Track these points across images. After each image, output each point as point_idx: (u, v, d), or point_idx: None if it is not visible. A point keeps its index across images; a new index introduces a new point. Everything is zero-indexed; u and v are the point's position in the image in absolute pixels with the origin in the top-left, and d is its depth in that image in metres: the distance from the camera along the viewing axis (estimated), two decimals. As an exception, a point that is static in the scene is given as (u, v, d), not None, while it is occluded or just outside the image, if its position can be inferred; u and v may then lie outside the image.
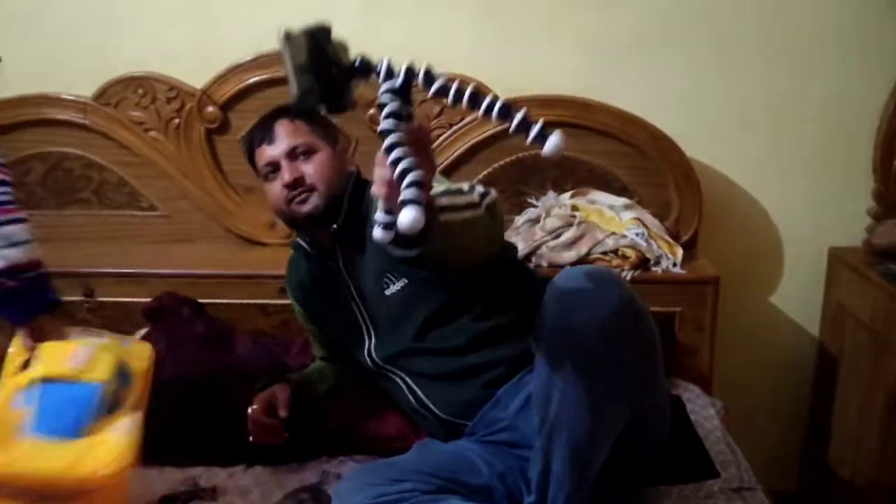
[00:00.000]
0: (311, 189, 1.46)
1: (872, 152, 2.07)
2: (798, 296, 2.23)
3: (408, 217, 0.76)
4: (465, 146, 2.03)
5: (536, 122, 0.78)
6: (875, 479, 1.91)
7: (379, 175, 0.90)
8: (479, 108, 0.82)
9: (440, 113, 2.03)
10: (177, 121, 2.07)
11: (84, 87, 2.07)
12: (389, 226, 0.87)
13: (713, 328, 1.90)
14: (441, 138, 2.04)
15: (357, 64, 0.86)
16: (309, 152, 1.48)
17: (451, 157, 2.02)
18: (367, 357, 1.50)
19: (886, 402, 1.86)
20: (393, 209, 0.87)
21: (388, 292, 1.44)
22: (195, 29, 2.09)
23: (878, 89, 2.04)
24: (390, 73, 0.84)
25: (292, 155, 1.47)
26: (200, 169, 2.09)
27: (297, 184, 1.45)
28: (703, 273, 1.88)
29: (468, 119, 2.02)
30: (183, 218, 2.14)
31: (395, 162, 0.80)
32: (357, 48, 2.05)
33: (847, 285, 2.08)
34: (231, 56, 2.04)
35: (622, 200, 2.00)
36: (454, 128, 2.03)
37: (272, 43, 1.94)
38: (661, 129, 1.98)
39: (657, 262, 1.90)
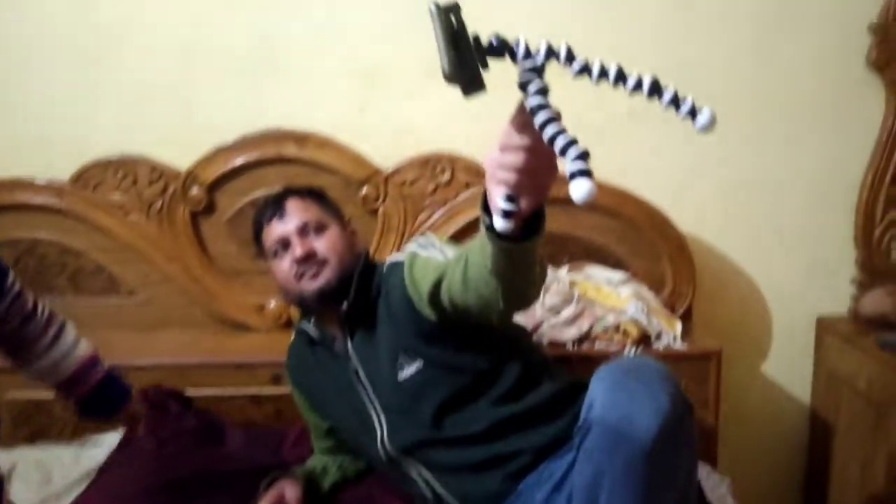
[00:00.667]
0: (323, 263, 1.43)
1: (854, 222, 2.13)
2: (789, 364, 2.24)
3: (584, 187, 0.70)
4: (462, 223, 2.01)
5: (687, 98, 0.73)
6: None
7: (505, 161, 0.83)
8: (626, 84, 0.77)
9: (434, 191, 2.01)
10: (159, 203, 2.00)
11: (62, 168, 1.99)
12: (511, 214, 0.84)
13: (717, 403, 1.89)
14: (436, 215, 2.02)
15: (494, 42, 0.80)
16: (320, 228, 1.46)
17: (448, 235, 1.99)
18: (379, 447, 1.42)
19: (887, 470, 1.86)
20: (517, 197, 0.83)
21: (401, 376, 1.38)
22: (175, 109, 2.04)
23: (857, 162, 2.11)
24: (528, 52, 0.79)
25: (303, 231, 1.45)
26: (184, 251, 2.02)
27: (308, 258, 1.42)
28: (706, 347, 1.87)
29: (463, 196, 2.01)
30: (165, 303, 2.05)
31: (555, 136, 0.73)
32: (352, 129, 2.07)
33: (838, 354, 2.10)
34: (212, 136, 1.99)
35: (619, 275, 1.99)
36: (449, 205, 2.02)
37: (254, 123, 1.98)
38: (654, 203, 2.00)
39: (658, 338, 1.89)
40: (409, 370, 1.39)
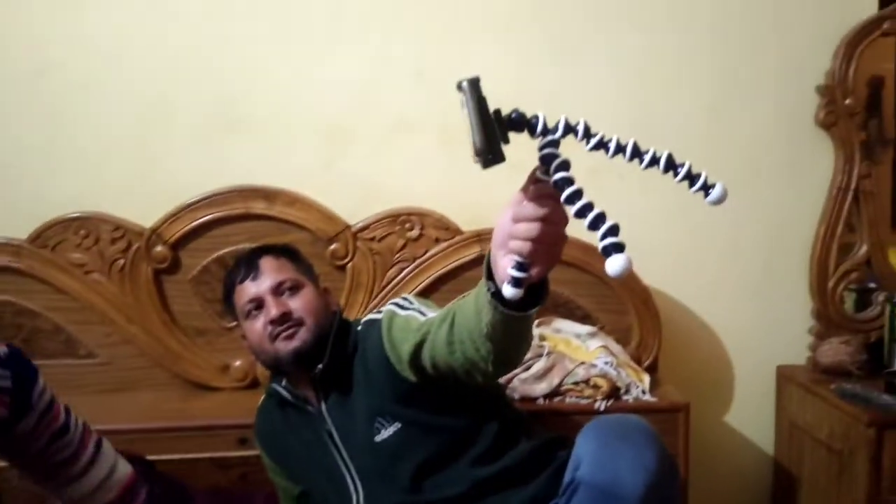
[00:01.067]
0: (299, 323, 1.41)
1: (809, 274, 2.20)
2: (751, 414, 2.28)
3: (620, 262, 0.74)
4: (430, 279, 2.01)
5: (701, 174, 0.81)
6: None
7: (519, 231, 0.86)
8: (641, 160, 0.81)
9: (403, 247, 2.02)
10: (122, 261, 1.96)
11: (20, 227, 1.95)
12: (521, 282, 0.86)
13: (686, 455, 1.90)
14: (405, 272, 2.02)
15: (514, 116, 0.83)
16: (295, 288, 1.45)
17: (416, 290, 1.99)
18: None
19: (853, 519, 1.90)
20: (529, 266, 0.86)
21: (378, 438, 1.36)
22: (138, 167, 2.03)
23: (810, 216, 2.19)
24: (546, 127, 0.83)
25: (278, 291, 1.43)
26: (146, 311, 1.97)
27: (284, 318, 1.40)
28: (675, 400, 1.89)
29: (431, 252, 2.02)
30: (126, 364, 1.99)
31: (584, 210, 0.78)
32: (322, 187, 2.08)
33: (799, 403, 2.14)
34: (176, 193, 1.97)
35: (587, 328, 2.01)
36: (418, 261, 2.02)
37: (219, 180, 1.97)
38: (619, 257, 2.03)
39: (627, 391, 1.91)
40: (386, 432, 1.37)
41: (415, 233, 2.02)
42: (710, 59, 2.15)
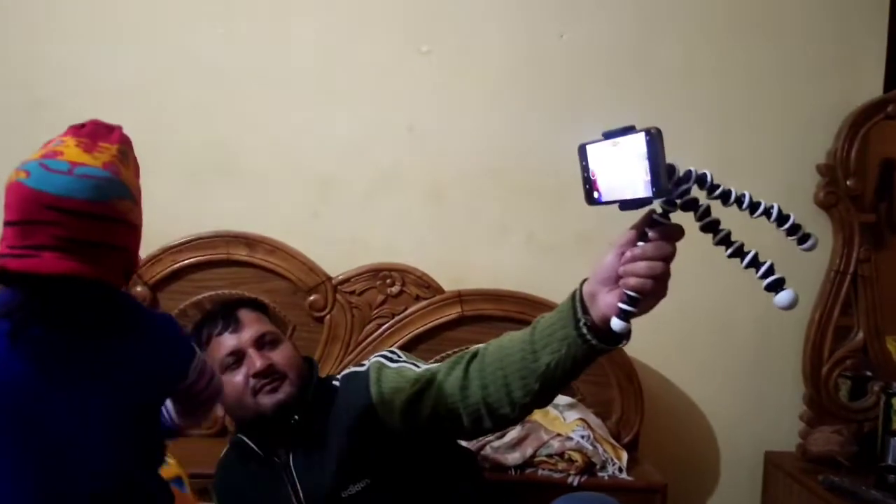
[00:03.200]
0: (283, 377, 1.37)
1: (802, 359, 2.14)
2: (736, 500, 2.20)
3: (790, 294, 0.89)
4: (408, 336, 1.99)
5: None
6: None
7: (641, 269, 0.93)
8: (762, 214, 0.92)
9: (383, 302, 1.99)
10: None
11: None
12: (629, 316, 0.93)
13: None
14: (383, 327, 2.00)
15: (678, 169, 0.90)
16: (275, 342, 1.42)
17: (393, 347, 1.95)
18: None
19: None
20: (638, 302, 0.93)
21: (345, 493, 1.31)
22: None
23: (805, 299, 2.13)
24: (689, 177, 0.89)
25: (259, 343, 1.39)
26: (120, 350, 1.95)
27: (268, 371, 1.36)
28: (652, 481, 1.83)
29: (411, 309, 2.00)
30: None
31: (739, 250, 0.92)
32: (306, 237, 2.07)
33: (786, 492, 2.07)
34: (158, 237, 1.96)
35: (565, 399, 1.96)
36: (397, 318, 2.00)
37: (203, 225, 1.96)
38: (604, 328, 1.99)
39: (602, 467, 1.84)
40: (354, 487, 1.32)
41: (395, 289, 2.00)
42: (710, 132, 2.14)
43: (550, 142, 2.09)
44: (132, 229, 0.96)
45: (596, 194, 0.93)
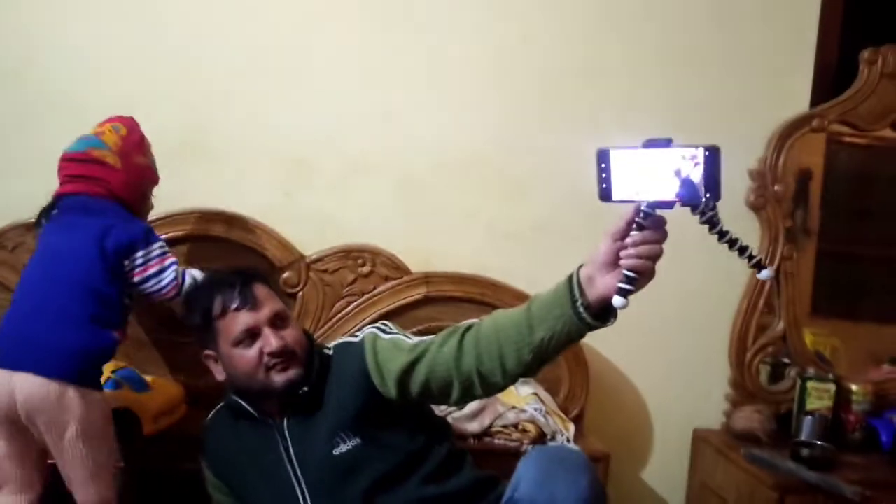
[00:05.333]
0: (293, 356, 1.46)
1: (729, 346, 2.35)
2: (666, 472, 2.40)
3: (769, 271, 1.11)
4: (376, 314, 2.10)
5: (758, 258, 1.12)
6: None
7: (641, 251, 1.09)
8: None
9: (353, 281, 2.11)
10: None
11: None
12: (628, 294, 1.09)
13: (603, 503, 2.00)
14: (352, 305, 2.11)
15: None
16: (286, 319, 1.50)
17: (362, 324, 2.07)
18: None
19: (753, 578, 2.02)
20: (635, 282, 1.09)
21: (336, 452, 1.42)
22: None
23: (734, 293, 2.35)
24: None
25: (274, 322, 1.47)
26: (96, 319, 2.00)
27: (283, 352, 1.44)
28: (596, 450, 2.00)
29: (380, 289, 2.12)
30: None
31: (734, 242, 1.11)
32: (280, 217, 2.15)
33: (711, 465, 2.27)
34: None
35: (519, 376, 2.12)
36: (366, 296, 2.12)
37: (179, 204, 2.02)
38: (556, 311, 2.15)
39: (553, 437, 2.00)
40: (345, 446, 1.42)
41: (366, 269, 2.11)
42: (655, 133, 2.31)
43: (513, 138, 2.24)
44: (104, 166, 1.67)
45: (611, 192, 1.09)
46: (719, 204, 2.51)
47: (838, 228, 2.49)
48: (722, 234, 1.09)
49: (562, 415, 2.09)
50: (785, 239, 2.34)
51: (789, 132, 2.34)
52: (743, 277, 2.34)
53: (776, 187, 2.33)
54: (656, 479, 2.41)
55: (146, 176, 1.77)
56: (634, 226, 1.10)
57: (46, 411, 1.45)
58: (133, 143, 1.73)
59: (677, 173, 1.03)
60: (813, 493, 1.95)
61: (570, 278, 1.18)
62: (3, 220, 2.01)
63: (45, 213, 1.69)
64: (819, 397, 2.26)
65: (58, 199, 1.68)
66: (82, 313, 1.52)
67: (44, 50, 2.08)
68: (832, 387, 2.27)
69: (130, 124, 1.76)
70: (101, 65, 2.10)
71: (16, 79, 2.07)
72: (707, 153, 1.02)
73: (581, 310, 1.16)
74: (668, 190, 1.05)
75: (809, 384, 2.27)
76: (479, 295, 2.10)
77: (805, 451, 2.07)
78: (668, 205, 1.06)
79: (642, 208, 1.08)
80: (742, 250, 1.11)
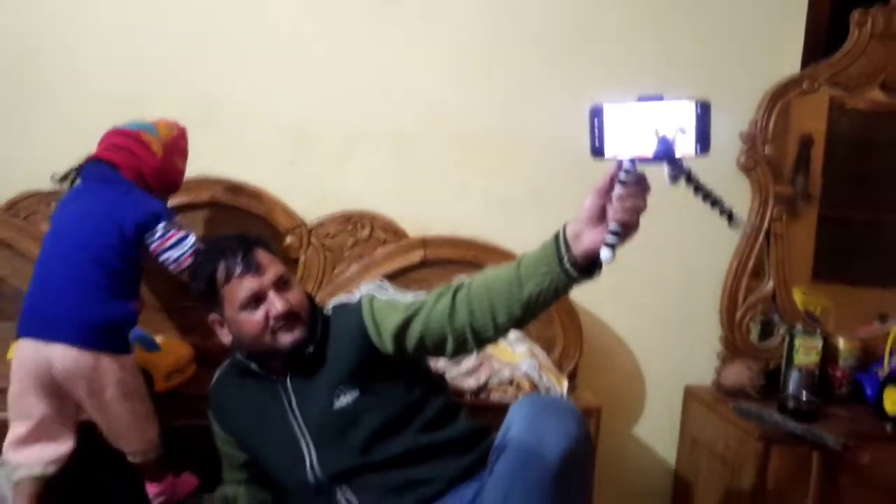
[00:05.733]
0: (297, 317, 1.53)
1: (720, 304, 2.42)
2: (658, 428, 2.49)
3: (740, 224, 1.16)
4: (376, 277, 2.16)
5: (730, 211, 1.18)
6: None
7: (627, 206, 1.14)
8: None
9: (353, 245, 2.18)
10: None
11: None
12: (615, 247, 1.15)
13: (594, 455, 2.08)
14: (352, 268, 2.19)
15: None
16: (288, 282, 1.56)
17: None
18: (308, 474, 1.52)
19: (739, 524, 2.11)
20: (621, 235, 1.15)
21: (337, 404, 1.50)
22: None
23: (725, 253, 2.41)
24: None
25: (278, 286, 1.53)
26: (107, 284, 2.08)
27: (288, 314, 1.51)
28: (588, 403, 2.07)
29: (380, 252, 2.19)
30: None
31: (708, 194, 1.17)
32: (282, 185, 2.21)
33: (702, 420, 2.35)
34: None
35: (515, 334, 2.19)
36: (366, 258, 2.19)
37: (186, 172, 2.09)
38: (550, 273, 2.23)
39: (547, 393, 2.09)
40: (345, 399, 1.51)
41: (365, 233, 2.18)
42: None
43: (508, 105, 2.30)
44: (147, 150, 1.75)
45: (603, 149, 1.13)
46: (710, 166, 2.57)
47: (839, 194, 2.54)
48: (698, 188, 1.14)
49: (556, 371, 2.16)
50: (775, 200, 2.39)
51: (780, 94, 2.38)
52: (733, 238, 2.40)
53: (766, 149, 2.38)
54: (649, 433, 2.50)
55: (177, 179, 1.86)
56: (618, 182, 1.15)
57: (84, 378, 1.56)
58: (180, 147, 1.85)
59: (665, 129, 1.08)
60: (798, 444, 2.03)
61: (556, 236, 1.25)
62: (17, 189, 2.08)
63: (74, 174, 1.75)
64: (806, 353, 2.33)
65: (87, 162, 1.74)
66: (104, 287, 1.60)
67: (53, 27, 2.14)
68: (819, 343, 2.34)
69: (183, 131, 1.87)
70: (112, 41, 2.15)
71: (26, 59, 2.13)
72: (699, 107, 1.07)
73: (567, 266, 1.23)
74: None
75: (797, 340, 2.33)
76: (474, 258, 2.16)
77: (791, 404, 2.15)
78: (649, 160, 1.11)
79: (624, 165, 1.14)
80: (715, 203, 1.16)
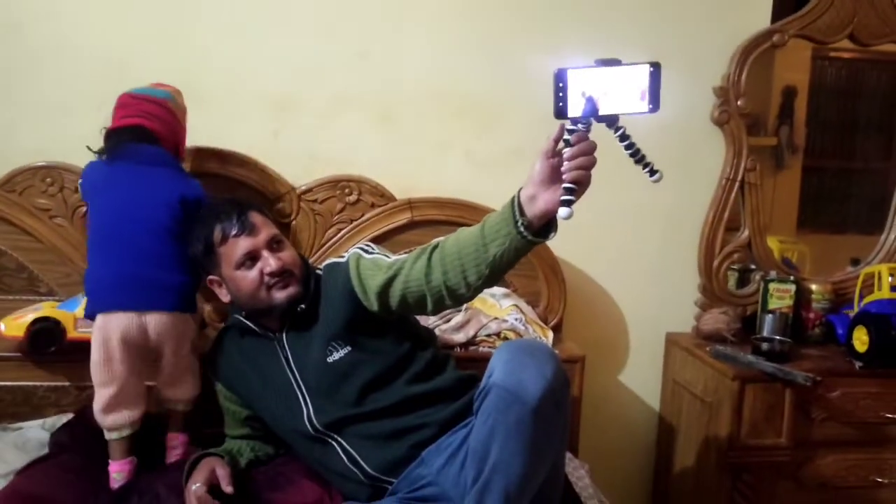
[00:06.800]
0: (291, 274, 1.62)
1: (698, 254, 2.51)
2: (641, 374, 2.60)
3: (658, 176, 1.23)
4: (364, 239, 2.21)
5: (651, 165, 1.24)
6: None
7: (580, 163, 1.23)
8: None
9: (342, 210, 2.25)
10: (84, 209, 2.12)
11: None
12: (571, 204, 1.22)
13: (579, 401, 2.19)
14: (342, 232, 2.26)
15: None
16: (281, 242, 1.65)
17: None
18: (307, 425, 1.62)
19: (717, 459, 2.22)
20: (575, 192, 1.22)
21: (330, 359, 1.60)
22: (97, 126, 2.12)
23: (701, 203, 2.49)
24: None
25: (271, 245, 1.62)
26: (105, 255, 2.15)
27: (282, 271, 1.60)
28: (572, 353, 2.17)
29: (367, 216, 2.26)
30: (83, 303, 2.17)
31: (637, 151, 1.23)
32: (270, 154, 2.26)
33: (682, 364, 2.46)
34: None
35: (501, 290, 2.28)
36: (354, 223, 2.26)
37: None
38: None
39: (532, 344, 2.18)
40: (338, 354, 1.61)
41: (353, 198, 2.25)
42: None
43: (487, 67, 2.35)
44: (175, 119, 1.88)
45: (566, 110, 1.21)
46: (685, 122, 2.64)
47: (823, 143, 2.61)
48: (629, 146, 1.23)
49: (541, 323, 2.25)
50: (748, 151, 2.47)
51: (751, 48, 2.44)
52: (710, 190, 2.48)
53: (739, 102, 2.45)
54: (633, 379, 2.60)
55: (184, 142, 1.97)
56: (563, 142, 1.23)
57: (174, 337, 1.70)
58: (184, 110, 1.96)
59: (622, 91, 1.18)
60: (770, 382, 2.14)
61: (511, 200, 1.33)
62: (10, 165, 2.13)
63: (113, 145, 1.77)
64: (780, 297, 2.43)
65: (128, 132, 1.78)
66: (178, 255, 1.70)
67: (44, 3, 2.17)
68: (792, 287, 2.43)
69: (179, 91, 1.97)
70: (98, 15, 2.19)
71: (12, 34, 2.17)
72: (651, 68, 1.16)
73: (522, 229, 1.31)
74: (614, 105, 1.20)
75: (771, 286, 2.43)
76: (459, 217, 2.23)
77: (765, 346, 2.25)
78: (579, 120, 1.22)
79: (567, 126, 1.22)
80: (641, 159, 1.24)
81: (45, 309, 1.91)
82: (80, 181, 1.82)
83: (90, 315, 1.69)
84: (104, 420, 1.69)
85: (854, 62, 2.63)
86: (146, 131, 1.79)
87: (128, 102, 1.84)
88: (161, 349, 1.71)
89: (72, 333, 1.88)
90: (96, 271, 1.70)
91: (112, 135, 1.78)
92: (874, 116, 2.69)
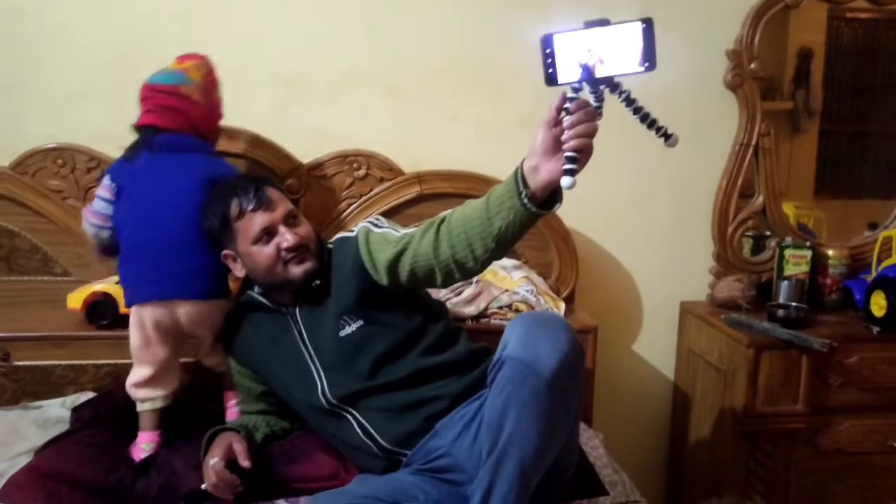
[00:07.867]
0: (307, 249, 1.63)
1: (711, 221, 2.48)
2: (655, 343, 2.59)
3: (674, 140, 1.19)
4: (374, 213, 2.22)
5: (665, 129, 1.19)
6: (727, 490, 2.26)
7: (581, 131, 1.20)
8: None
9: (351, 184, 2.25)
10: (95, 189, 2.14)
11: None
12: (574, 173, 1.19)
13: (593, 371, 2.19)
14: (352, 207, 2.26)
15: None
16: (297, 217, 1.66)
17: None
18: (321, 398, 1.63)
19: (733, 427, 2.22)
20: (577, 161, 1.19)
21: (343, 333, 1.61)
22: (110, 108, 2.14)
23: (715, 170, 2.46)
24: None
25: (287, 220, 1.63)
26: (117, 235, 2.17)
27: (298, 246, 1.61)
28: (584, 324, 2.16)
29: (376, 190, 2.26)
30: (98, 283, 2.19)
31: (647, 115, 1.18)
32: (278, 131, 2.26)
33: (696, 333, 2.44)
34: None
35: (512, 262, 2.28)
36: (363, 198, 2.26)
37: None
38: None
39: (544, 315, 2.18)
40: (350, 328, 1.62)
41: (361, 172, 2.25)
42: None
43: (491, 37, 2.33)
44: (191, 102, 1.81)
45: (556, 76, 1.18)
46: (697, 86, 2.60)
47: (841, 106, 2.57)
48: (637, 110, 1.18)
49: (552, 294, 2.25)
50: (762, 115, 2.43)
51: (764, 10, 2.40)
52: (723, 156, 2.46)
53: (752, 65, 2.41)
54: (647, 349, 2.60)
55: (220, 113, 1.94)
56: (563, 111, 1.21)
57: (206, 323, 1.75)
58: (213, 81, 1.91)
59: (614, 52, 1.13)
60: (786, 349, 2.12)
61: (515, 172, 1.31)
62: (20, 148, 2.14)
63: (136, 147, 1.78)
64: (796, 264, 2.40)
65: (144, 130, 1.78)
66: (201, 240, 1.71)
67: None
68: (808, 253, 2.41)
69: (209, 64, 1.90)
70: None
71: (22, 19, 2.17)
72: (643, 25, 1.10)
73: (525, 200, 1.30)
74: (609, 67, 1.15)
75: (787, 252, 2.41)
76: (468, 189, 2.22)
77: (780, 312, 2.23)
78: (576, 86, 1.18)
79: (568, 94, 1.19)
80: (652, 123, 1.19)
81: (104, 285, 1.98)
82: (106, 179, 1.81)
83: (128, 305, 1.73)
84: (136, 393, 1.74)
85: (871, 22, 2.57)
86: (157, 130, 1.78)
87: (146, 95, 1.82)
88: (195, 334, 1.76)
89: (123, 309, 1.89)
90: (127, 265, 1.74)
91: (137, 131, 1.80)
92: (892, 78, 2.63)
